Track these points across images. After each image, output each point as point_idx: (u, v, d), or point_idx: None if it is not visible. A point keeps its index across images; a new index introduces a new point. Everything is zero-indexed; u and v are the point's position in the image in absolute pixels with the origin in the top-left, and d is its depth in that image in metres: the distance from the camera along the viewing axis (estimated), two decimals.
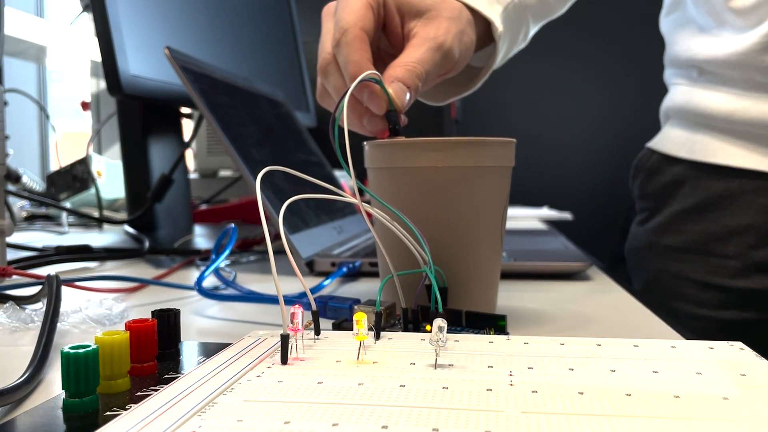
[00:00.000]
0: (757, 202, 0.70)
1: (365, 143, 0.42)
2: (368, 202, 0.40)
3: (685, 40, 0.78)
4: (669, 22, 0.83)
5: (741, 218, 0.71)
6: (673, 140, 0.80)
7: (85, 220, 1.13)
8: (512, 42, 0.56)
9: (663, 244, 0.78)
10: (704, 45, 0.75)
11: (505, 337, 0.32)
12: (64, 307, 0.41)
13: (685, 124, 0.79)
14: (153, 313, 0.32)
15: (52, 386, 0.29)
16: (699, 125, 0.76)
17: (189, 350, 0.33)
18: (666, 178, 0.80)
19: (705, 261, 0.73)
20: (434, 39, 0.43)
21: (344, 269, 0.57)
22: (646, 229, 0.82)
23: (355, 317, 0.29)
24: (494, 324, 0.36)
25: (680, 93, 0.79)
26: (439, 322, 0.28)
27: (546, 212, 1.32)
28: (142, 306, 0.47)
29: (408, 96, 0.41)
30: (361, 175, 0.36)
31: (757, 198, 0.70)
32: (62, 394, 0.25)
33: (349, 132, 0.34)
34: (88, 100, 1.65)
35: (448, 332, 0.30)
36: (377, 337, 0.32)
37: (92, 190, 1.17)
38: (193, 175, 1.34)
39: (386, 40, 0.47)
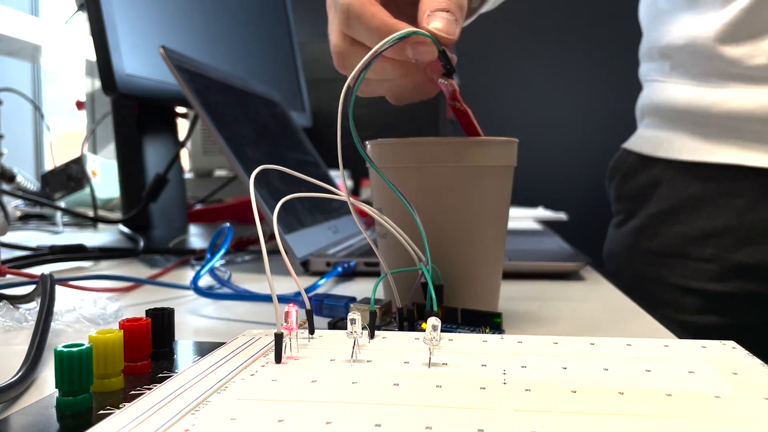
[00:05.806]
0: (732, 204, 0.68)
1: (368, 142, 0.41)
2: (370, 203, 0.40)
3: (658, 27, 0.75)
4: (644, 9, 0.80)
5: (717, 220, 0.69)
6: (648, 140, 0.77)
7: (80, 220, 1.12)
8: None
9: (641, 247, 0.76)
10: (677, 31, 0.71)
11: (499, 336, 0.32)
12: (58, 307, 0.41)
13: (659, 122, 0.76)
14: (147, 312, 0.32)
15: (46, 385, 0.29)
16: (673, 122, 0.74)
17: (183, 349, 0.33)
18: (642, 180, 0.77)
19: (683, 265, 0.71)
20: None
21: (339, 269, 0.57)
22: (623, 232, 0.80)
23: (349, 316, 0.29)
24: (490, 321, 0.36)
25: (653, 90, 0.77)
26: (433, 320, 0.28)
27: (541, 212, 1.33)
28: (136, 305, 0.47)
29: (456, 25, 0.36)
30: (362, 173, 0.35)
31: (732, 200, 0.68)
32: (56, 392, 0.25)
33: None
34: (83, 99, 1.65)
35: (443, 330, 0.30)
36: (371, 335, 0.32)
37: (87, 190, 1.16)
38: (188, 175, 1.34)
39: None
